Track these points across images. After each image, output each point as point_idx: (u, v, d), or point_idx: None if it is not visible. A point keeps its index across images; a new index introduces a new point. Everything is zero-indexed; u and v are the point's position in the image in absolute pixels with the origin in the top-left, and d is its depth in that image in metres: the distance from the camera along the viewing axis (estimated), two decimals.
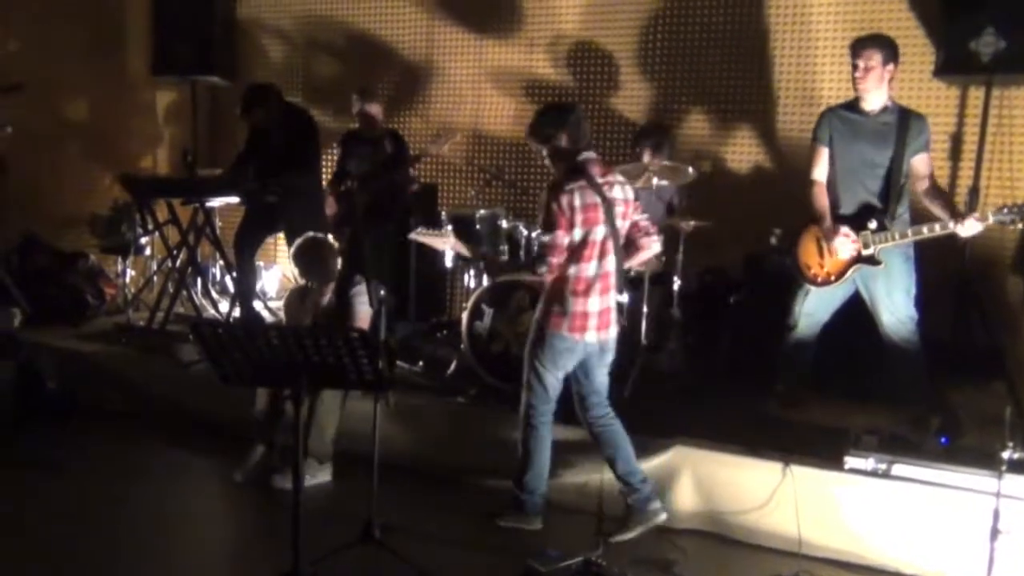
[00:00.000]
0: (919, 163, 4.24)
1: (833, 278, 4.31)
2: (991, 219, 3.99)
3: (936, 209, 4.14)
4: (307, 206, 5.84)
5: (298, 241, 4.63)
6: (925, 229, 4.12)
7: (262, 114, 5.70)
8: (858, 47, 4.22)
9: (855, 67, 4.20)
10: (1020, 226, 3.97)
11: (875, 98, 4.22)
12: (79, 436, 4.99)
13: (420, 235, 4.64)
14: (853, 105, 4.31)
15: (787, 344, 4.58)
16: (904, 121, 4.21)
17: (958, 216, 4.03)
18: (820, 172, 4.38)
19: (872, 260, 4.20)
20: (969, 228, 4.00)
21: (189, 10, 6.83)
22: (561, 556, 3.55)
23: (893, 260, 4.22)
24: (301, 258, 4.57)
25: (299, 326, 4.37)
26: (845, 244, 4.21)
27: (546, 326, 3.71)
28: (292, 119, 5.84)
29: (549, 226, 3.61)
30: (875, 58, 4.14)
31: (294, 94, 7.21)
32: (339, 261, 4.65)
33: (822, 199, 4.34)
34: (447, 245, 4.79)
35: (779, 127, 5.80)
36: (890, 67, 4.17)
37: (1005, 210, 3.95)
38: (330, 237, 4.82)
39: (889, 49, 4.18)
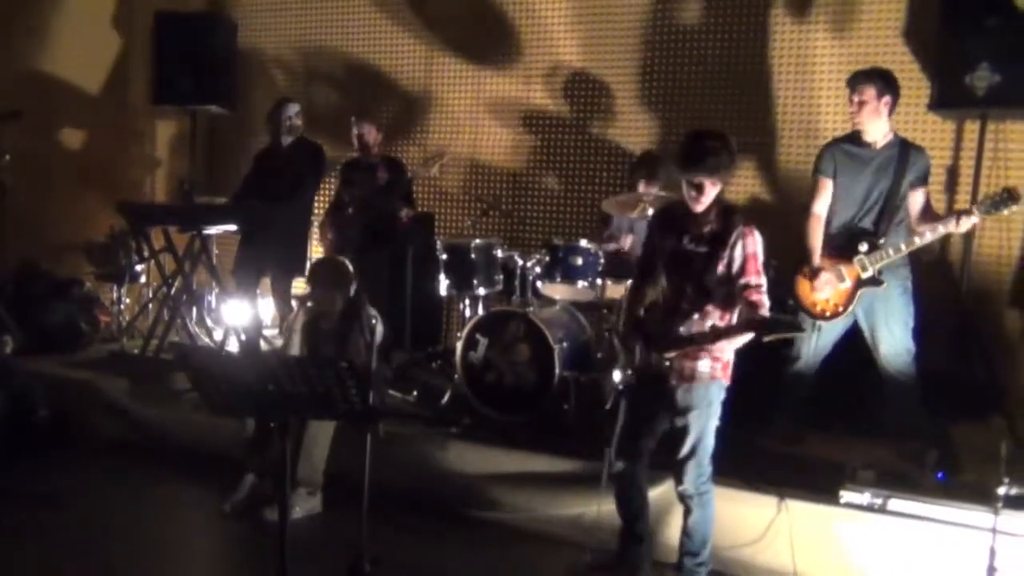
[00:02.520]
0: (917, 197, 4.25)
1: (841, 308, 4.29)
2: (976, 214, 4.03)
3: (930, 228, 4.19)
4: (292, 241, 5.99)
5: (320, 258, 4.63)
6: (917, 239, 4.15)
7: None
8: (852, 82, 4.26)
9: (850, 101, 4.23)
10: (1014, 208, 3.99)
11: (875, 130, 4.25)
12: (69, 464, 4.95)
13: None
14: (855, 138, 4.33)
15: (787, 377, 4.55)
16: (904, 153, 4.23)
17: (947, 218, 4.12)
18: (821, 206, 4.38)
19: (874, 281, 4.20)
20: (962, 225, 4.07)
21: (190, 39, 6.87)
22: None
23: (892, 292, 4.22)
24: (312, 273, 4.53)
25: (287, 356, 4.33)
26: (825, 288, 4.24)
27: (718, 377, 3.44)
28: (304, 151, 5.99)
29: (761, 271, 3.33)
30: (868, 92, 4.17)
31: None
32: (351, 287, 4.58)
33: (816, 235, 4.35)
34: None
35: (778, 159, 5.80)
36: (886, 99, 4.19)
37: (989, 201, 4.01)
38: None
39: (883, 82, 4.20)
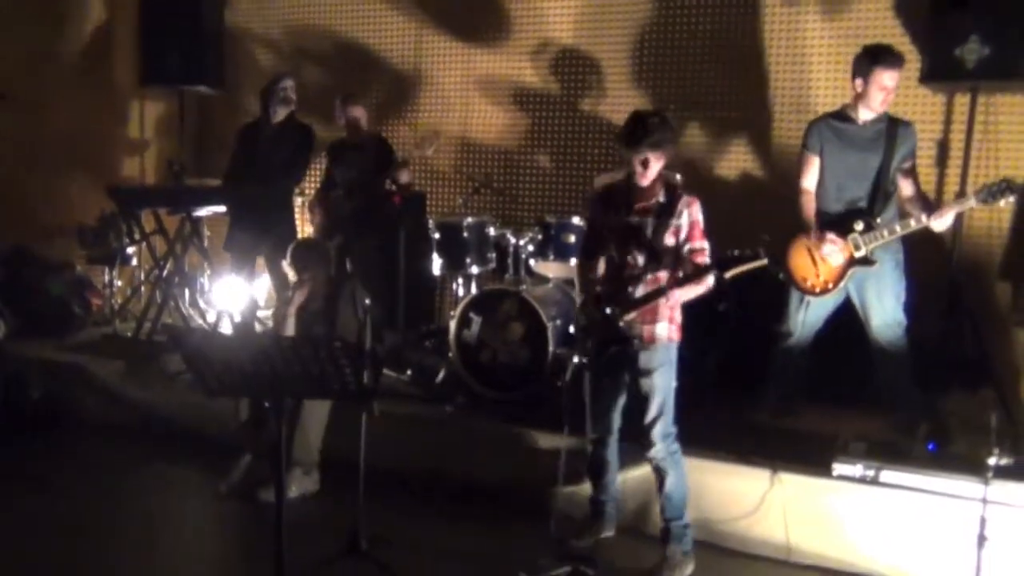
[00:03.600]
0: (905, 170, 4.26)
1: (831, 285, 4.30)
2: (973, 201, 4.05)
3: (916, 212, 4.20)
4: (290, 218, 5.93)
5: (298, 239, 4.63)
6: (912, 222, 4.16)
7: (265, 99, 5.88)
8: (892, 63, 4.13)
9: (883, 87, 4.14)
10: (1011, 199, 3.99)
11: (867, 108, 4.24)
12: (63, 447, 4.96)
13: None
14: (843, 114, 4.33)
15: (780, 352, 4.56)
16: (892, 128, 4.23)
17: (933, 210, 4.13)
18: (810, 181, 4.39)
19: (866, 261, 4.21)
20: (941, 223, 4.10)
21: (177, 20, 6.80)
22: (550, 565, 3.54)
23: (884, 266, 4.24)
24: (299, 255, 4.54)
25: (281, 336, 4.34)
26: (834, 251, 4.22)
27: (675, 339, 3.64)
28: (295, 131, 5.92)
29: (704, 236, 3.57)
30: (898, 76, 4.16)
31: None
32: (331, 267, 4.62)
33: (810, 208, 4.36)
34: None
35: (771, 135, 5.79)
36: None
37: (986, 190, 4.00)
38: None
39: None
